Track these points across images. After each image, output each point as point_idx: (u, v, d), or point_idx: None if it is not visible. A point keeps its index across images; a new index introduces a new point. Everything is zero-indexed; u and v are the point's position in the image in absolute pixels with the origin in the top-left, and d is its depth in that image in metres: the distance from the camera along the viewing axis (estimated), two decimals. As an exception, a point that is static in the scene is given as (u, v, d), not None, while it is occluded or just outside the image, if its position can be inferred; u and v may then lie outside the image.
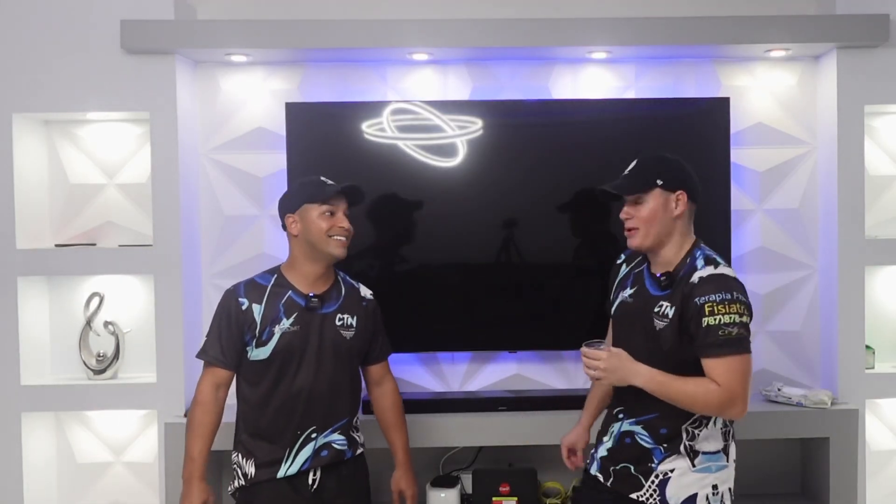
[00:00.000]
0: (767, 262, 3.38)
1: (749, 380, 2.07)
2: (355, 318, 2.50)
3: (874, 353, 3.30)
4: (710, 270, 2.11)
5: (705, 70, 3.36)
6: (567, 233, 3.27)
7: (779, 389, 3.23)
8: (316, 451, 2.42)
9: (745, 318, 2.06)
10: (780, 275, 3.39)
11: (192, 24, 3.19)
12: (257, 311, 2.41)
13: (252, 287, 2.46)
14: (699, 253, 2.18)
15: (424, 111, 3.21)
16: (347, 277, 2.61)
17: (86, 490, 3.36)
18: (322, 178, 2.49)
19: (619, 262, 2.42)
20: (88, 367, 3.22)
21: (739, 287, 2.10)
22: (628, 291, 2.29)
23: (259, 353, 2.40)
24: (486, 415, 3.13)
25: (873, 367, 3.29)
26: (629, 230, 2.21)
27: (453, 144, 3.22)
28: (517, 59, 3.32)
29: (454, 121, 3.21)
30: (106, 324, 3.25)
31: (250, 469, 2.42)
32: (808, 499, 3.35)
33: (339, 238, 2.43)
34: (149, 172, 3.20)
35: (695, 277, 2.10)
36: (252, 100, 3.33)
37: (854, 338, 3.21)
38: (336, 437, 2.46)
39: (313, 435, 2.42)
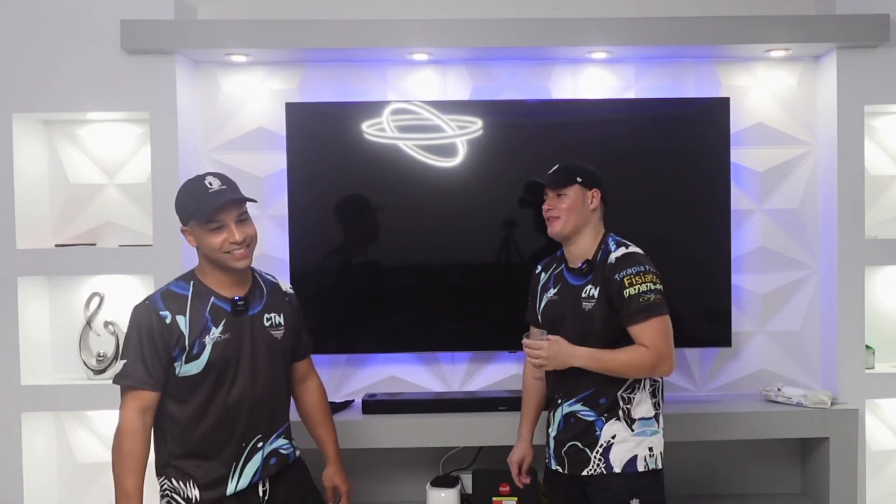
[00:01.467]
0: (767, 262, 3.38)
1: (671, 338, 2.36)
2: (282, 315, 2.36)
3: (874, 353, 3.30)
4: (623, 251, 2.42)
5: (705, 70, 3.36)
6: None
7: (779, 389, 3.23)
8: (265, 461, 2.29)
9: (658, 286, 2.35)
10: (780, 275, 3.39)
11: (192, 24, 3.19)
12: (182, 322, 2.19)
13: (170, 297, 2.23)
14: (610, 239, 2.48)
15: (424, 111, 3.21)
16: (264, 273, 2.44)
17: (86, 490, 3.36)
18: (206, 182, 2.21)
19: (536, 272, 2.67)
20: (88, 367, 3.22)
21: (648, 260, 2.41)
22: (552, 291, 2.55)
23: (190, 368, 2.20)
24: (486, 415, 3.14)
25: (873, 367, 3.29)
26: (550, 219, 2.49)
27: (453, 144, 3.22)
28: (517, 59, 3.32)
29: (454, 121, 3.21)
30: (106, 324, 3.25)
31: (193, 492, 2.23)
32: (808, 499, 3.35)
33: (235, 252, 2.20)
34: (149, 172, 3.20)
35: (611, 258, 2.41)
36: (252, 100, 3.33)
37: (854, 338, 3.21)
38: (281, 441, 2.35)
39: (259, 444, 2.28)
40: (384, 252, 3.27)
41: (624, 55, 3.27)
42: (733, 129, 3.27)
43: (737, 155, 3.30)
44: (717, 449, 3.37)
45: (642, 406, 2.42)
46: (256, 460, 2.28)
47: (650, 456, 2.41)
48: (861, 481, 3.15)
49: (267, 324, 2.32)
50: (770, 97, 3.38)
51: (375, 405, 3.18)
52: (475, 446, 3.22)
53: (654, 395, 2.45)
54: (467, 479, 3.18)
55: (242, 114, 3.33)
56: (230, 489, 2.25)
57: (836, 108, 3.20)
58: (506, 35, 3.12)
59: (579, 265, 2.47)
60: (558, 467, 2.51)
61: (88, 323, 3.25)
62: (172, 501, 2.27)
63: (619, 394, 2.40)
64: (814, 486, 3.30)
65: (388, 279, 3.28)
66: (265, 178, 3.31)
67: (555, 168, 2.55)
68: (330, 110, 3.24)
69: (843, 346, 3.21)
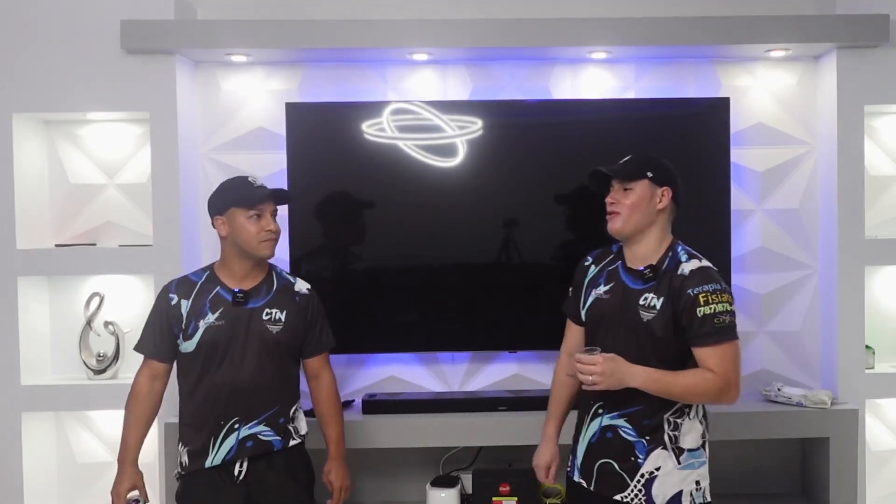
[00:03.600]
0: (767, 262, 3.38)
1: (740, 366, 2.17)
2: (285, 312, 2.51)
3: (874, 353, 3.30)
4: (696, 263, 2.21)
5: (705, 70, 3.36)
6: (567, 232, 3.27)
7: (779, 389, 3.23)
8: (240, 442, 2.45)
9: (733, 308, 2.18)
10: (780, 275, 3.39)
11: (192, 24, 3.20)
12: (185, 306, 2.48)
13: (184, 283, 2.53)
14: (680, 248, 2.27)
15: (424, 111, 3.22)
16: (284, 272, 2.62)
17: (86, 490, 3.36)
18: (249, 179, 2.50)
19: (586, 263, 2.42)
20: (88, 367, 3.23)
21: (723, 280, 2.22)
22: (604, 288, 2.31)
23: (187, 346, 2.47)
24: (486, 415, 3.13)
25: (873, 367, 3.29)
26: (611, 213, 2.27)
27: (453, 144, 3.22)
28: (517, 59, 3.32)
29: (454, 121, 3.21)
30: (106, 324, 3.25)
31: (184, 457, 2.50)
32: (808, 499, 3.35)
33: (266, 241, 2.46)
34: (149, 172, 3.20)
35: (683, 269, 2.19)
36: (252, 100, 3.33)
37: (854, 338, 3.21)
38: (262, 428, 2.47)
39: (236, 426, 2.45)
40: (384, 252, 3.27)
41: (624, 55, 3.27)
42: (733, 129, 3.27)
43: (737, 155, 3.30)
44: (717, 449, 3.35)
45: (691, 435, 2.21)
46: (232, 440, 2.46)
47: (697, 490, 2.19)
48: (861, 481, 3.15)
49: (265, 318, 2.49)
50: (770, 97, 3.38)
51: (375, 405, 3.18)
52: (475, 446, 3.22)
53: (702, 420, 2.25)
54: (467, 479, 3.18)
55: (242, 114, 3.33)
56: (209, 462, 2.46)
57: (836, 108, 3.20)
58: (506, 35, 3.12)
59: (641, 268, 2.24)
60: (582, 481, 2.30)
61: (88, 323, 3.25)
62: (177, 460, 2.55)
63: (665, 416, 2.19)
64: (814, 486, 3.30)
65: (388, 279, 3.28)
66: (265, 178, 3.30)
67: (626, 159, 2.33)
68: (330, 110, 3.24)
69: (843, 346, 3.21)
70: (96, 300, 3.26)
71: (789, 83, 3.38)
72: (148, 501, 2.58)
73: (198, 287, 2.50)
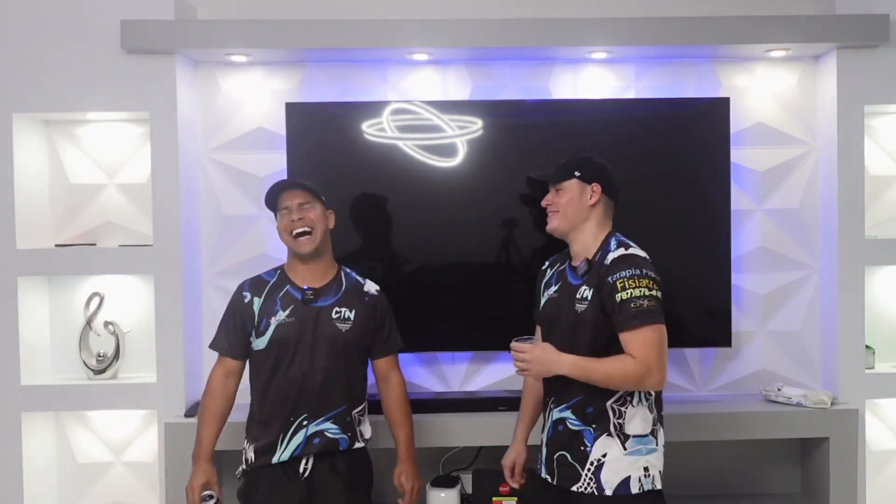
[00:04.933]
0: (767, 262, 3.38)
1: (664, 350, 2.20)
2: (354, 311, 2.57)
3: (874, 353, 3.30)
4: (621, 252, 2.28)
5: (705, 70, 3.36)
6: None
7: (779, 389, 3.23)
8: (308, 439, 2.50)
9: (654, 292, 2.21)
10: (780, 275, 3.39)
11: (192, 24, 3.19)
12: (257, 304, 2.55)
13: (257, 282, 2.61)
14: (613, 239, 2.35)
15: (424, 111, 3.21)
16: (353, 273, 2.69)
17: (86, 490, 3.36)
18: (282, 181, 2.63)
19: (543, 267, 2.57)
20: (88, 367, 3.22)
21: (647, 264, 2.26)
22: (553, 289, 2.44)
23: (259, 343, 2.54)
24: (486, 415, 3.13)
25: (873, 367, 3.29)
26: (549, 213, 2.42)
27: (453, 144, 3.22)
28: (517, 59, 3.32)
29: (454, 121, 3.21)
30: (106, 324, 3.25)
31: (251, 454, 2.53)
32: (808, 499, 3.35)
33: (298, 233, 2.51)
34: (149, 172, 3.20)
35: (608, 259, 2.27)
36: (252, 100, 3.33)
37: (854, 338, 3.21)
38: (329, 426, 2.52)
39: (304, 422, 2.50)
40: (384, 252, 3.27)
41: (624, 55, 3.27)
42: (733, 129, 3.27)
43: (737, 155, 3.30)
44: (717, 449, 3.37)
45: (636, 421, 2.26)
46: (300, 436, 2.51)
47: (645, 476, 2.24)
48: (861, 481, 3.15)
49: (335, 316, 2.55)
50: (770, 97, 3.38)
51: (375, 405, 3.17)
52: (475, 446, 3.22)
53: (651, 408, 2.29)
54: (467, 479, 3.18)
55: (242, 114, 3.33)
56: (276, 458, 2.50)
57: (836, 108, 3.20)
58: (506, 35, 3.12)
59: (579, 263, 2.36)
60: (547, 476, 2.38)
61: (88, 323, 3.25)
62: (243, 458, 2.58)
63: (608, 404, 2.25)
64: (814, 486, 3.30)
65: (388, 279, 3.27)
66: (265, 178, 3.31)
67: (558, 164, 2.47)
68: (330, 110, 3.24)
69: (843, 346, 3.21)
70: (96, 300, 3.26)
71: (789, 83, 3.38)
72: (222, 498, 2.61)
73: (270, 285, 2.58)
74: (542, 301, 2.50)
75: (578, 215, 2.37)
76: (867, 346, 3.25)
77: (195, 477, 2.54)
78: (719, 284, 3.25)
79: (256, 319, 2.54)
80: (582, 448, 2.28)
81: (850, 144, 3.19)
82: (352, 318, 2.56)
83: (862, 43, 3.15)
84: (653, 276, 2.24)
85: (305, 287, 2.55)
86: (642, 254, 2.30)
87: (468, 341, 3.33)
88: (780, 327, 3.40)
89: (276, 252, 3.27)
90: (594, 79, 3.36)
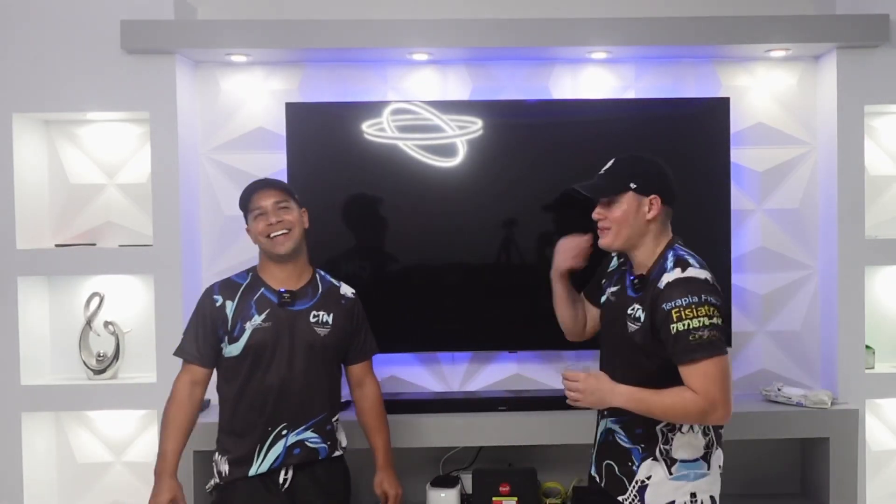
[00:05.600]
0: (767, 262, 3.38)
1: (727, 382, 2.02)
2: (331, 315, 2.47)
3: (874, 353, 3.30)
4: (676, 274, 2.05)
5: (705, 70, 3.36)
6: (567, 233, 3.24)
7: (779, 389, 3.23)
8: (288, 449, 2.41)
9: (715, 320, 2.01)
10: (780, 275, 3.39)
11: (192, 24, 3.19)
12: (230, 307, 2.43)
13: (227, 285, 2.49)
14: (671, 254, 2.13)
15: (424, 111, 3.21)
16: (328, 276, 2.59)
17: (86, 490, 3.36)
18: (254, 182, 2.49)
19: (612, 254, 2.37)
20: (88, 367, 3.22)
21: (707, 287, 2.04)
22: (612, 289, 2.28)
23: (232, 350, 2.41)
24: (486, 415, 3.13)
25: (873, 367, 3.29)
26: (600, 230, 2.20)
27: (453, 144, 3.22)
28: (517, 59, 3.32)
29: (454, 121, 3.21)
30: (106, 324, 3.25)
31: (224, 467, 2.42)
32: (808, 499, 3.35)
33: (276, 234, 2.40)
34: (149, 172, 3.20)
35: (661, 282, 2.06)
36: (252, 100, 3.33)
37: (854, 338, 3.21)
38: (310, 434, 2.44)
39: (284, 432, 2.41)
40: (384, 252, 3.27)
41: (624, 55, 3.27)
42: (733, 129, 3.27)
43: (737, 155, 3.30)
44: (717, 449, 3.37)
45: (685, 449, 2.12)
46: (279, 447, 2.40)
47: (692, 502, 2.11)
48: (861, 481, 3.15)
49: (312, 320, 2.45)
50: (770, 97, 3.38)
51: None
52: (475, 446, 3.22)
53: (706, 432, 2.14)
54: (467, 479, 3.18)
55: (242, 114, 3.33)
56: (253, 470, 2.39)
57: (836, 108, 3.20)
58: (506, 35, 3.12)
59: (633, 277, 2.16)
60: (596, 476, 2.28)
61: (88, 323, 3.25)
62: (214, 471, 2.47)
63: (658, 428, 2.12)
64: (814, 486, 3.30)
65: (388, 279, 3.28)
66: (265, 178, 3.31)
67: (606, 167, 2.22)
68: (330, 110, 3.24)
69: (843, 346, 3.21)
70: (96, 300, 3.26)
71: (789, 83, 3.38)
72: None
73: (242, 288, 2.46)
74: (603, 297, 2.32)
75: (635, 232, 2.14)
76: (867, 346, 3.25)
77: (160, 493, 2.39)
78: (719, 284, 3.24)
79: (230, 324, 2.41)
80: (629, 464, 2.17)
81: (850, 144, 3.19)
82: (330, 322, 2.46)
83: (862, 43, 3.15)
84: (713, 301, 2.02)
85: (282, 290, 2.44)
86: (702, 275, 2.06)
87: (468, 341, 3.32)
88: (780, 327, 3.40)
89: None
90: (594, 79, 3.36)
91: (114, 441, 3.36)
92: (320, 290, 2.51)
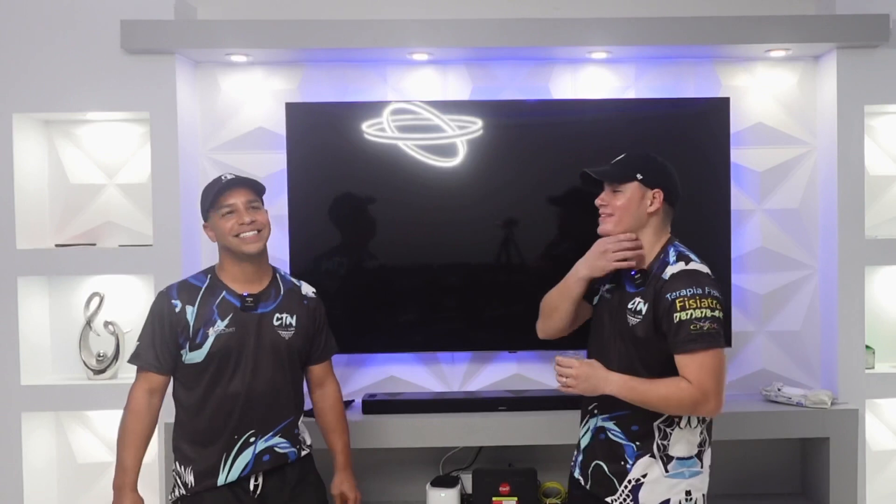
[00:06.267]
0: (767, 262, 3.38)
1: (723, 376, 2.06)
2: (295, 316, 2.42)
3: (874, 353, 3.30)
4: (681, 266, 2.12)
5: (705, 70, 3.36)
6: (567, 232, 3.27)
7: (779, 389, 3.23)
8: (257, 457, 2.34)
9: (716, 313, 2.06)
10: (780, 275, 3.39)
11: (192, 24, 3.19)
12: (190, 312, 2.33)
13: (185, 288, 2.39)
14: (672, 249, 2.19)
15: (424, 111, 3.21)
16: (287, 275, 2.55)
17: (86, 490, 3.36)
18: (220, 177, 2.39)
19: None
20: (88, 367, 3.22)
21: (711, 282, 2.10)
22: (607, 287, 2.29)
23: (193, 357, 2.32)
24: (486, 415, 3.13)
25: (873, 367, 3.29)
26: (602, 216, 2.24)
27: (453, 144, 3.22)
28: (517, 59, 3.32)
29: (454, 121, 3.21)
30: (106, 324, 3.25)
31: (189, 478, 2.34)
32: (808, 499, 3.35)
33: (246, 235, 2.32)
34: (149, 172, 3.20)
35: (666, 273, 2.11)
36: (252, 100, 3.33)
37: (854, 338, 3.21)
38: (278, 440, 2.38)
39: (252, 439, 2.34)
40: (384, 252, 3.27)
41: (624, 55, 3.27)
42: (733, 129, 3.27)
43: (737, 155, 3.30)
44: (717, 449, 3.35)
45: (682, 444, 2.14)
46: (248, 454, 2.34)
47: (687, 500, 2.12)
48: (861, 481, 3.15)
49: (276, 323, 2.39)
50: (770, 97, 3.38)
51: (375, 405, 3.18)
52: (475, 446, 3.22)
53: (702, 432, 2.17)
54: (467, 479, 3.18)
55: (242, 114, 3.33)
56: (220, 480, 2.32)
57: (836, 108, 3.20)
58: (506, 35, 3.12)
59: (633, 272, 2.18)
60: (580, 478, 2.29)
61: (88, 323, 3.25)
62: (176, 483, 2.38)
63: (655, 424, 2.13)
64: (814, 486, 3.30)
65: (388, 279, 3.28)
66: (265, 178, 3.30)
67: (618, 159, 2.28)
68: (330, 110, 3.24)
69: (843, 346, 3.21)
70: (96, 300, 3.26)
71: (789, 83, 3.38)
72: None
73: (202, 292, 2.37)
74: (596, 296, 2.35)
75: (635, 222, 2.19)
76: (867, 346, 3.25)
77: None
78: (719, 284, 3.24)
79: (192, 330, 2.31)
80: (622, 463, 2.17)
81: (850, 144, 3.19)
82: (293, 324, 2.40)
83: (862, 43, 3.15)
84: (716, 295, 2.08)
85: (245, 294, 2.36)
86: (705, 269, 2.13)
87: (468, 341, 3.33)
88: (780, 327, 3.40)
89: (276, 252, 3.26)
90: (594, 79, 3.36)
91: (114, 441, 3.34)
92: (282, 290, 2.44)
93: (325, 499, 2.54)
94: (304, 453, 2.47)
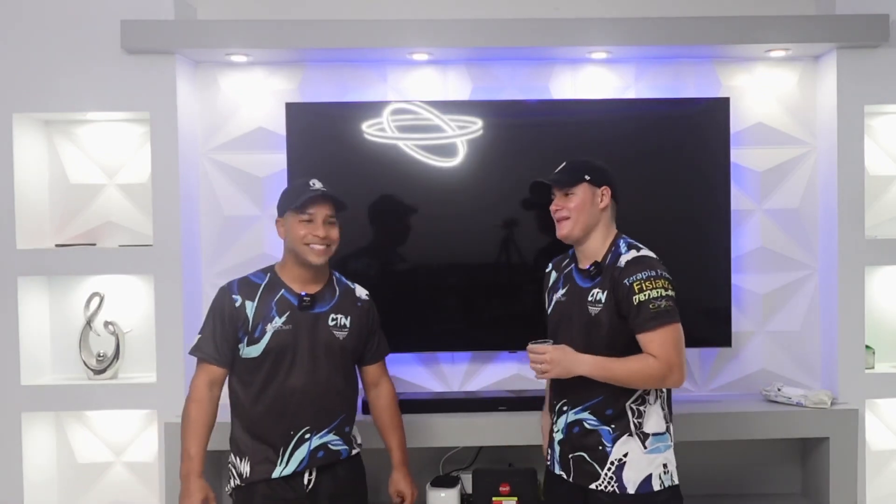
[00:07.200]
0: (767, 262, 3.38)
1: (683, 348, 2.23)
2: (349, 318, 2.48)
3: (874, 353, 3.30)
4: (633, 254, 2.29)
5: (705, 70, 3.36)
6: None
7: (779, 389, 3.23)
8: (311, 453, 2.41)
9: (670, 292, 2.23)
10: (780, 275, 3.39)
11: (192, 24, 3.19)
12: (250, 308, 2.40)
13: (245, 284, 2.46)
14: (622, 241, 2.36)
15: (424, 111, 3.21)
16: (343, 278, 2.59)
17: (86, 490, 3.35)
18: (309, 182, 2.44)
19: (547, 270, 2.56)
20: (88, 367, 3.22)
21: (660, 264, 2.28)
22: (561, 292, 2.43)
23: (251, 351, 2.39)
24: (486, 415, 3.14)
25: (873, 367, 3.29)
26: (559, 220, 2.38)
27: (453, 144, 3.22)
28: (517, 59, 3.32)
29: (454, 121, 3.21)
30: (106, 324, 3.25)
31: (245, 468, 2.40)
32: (808, 499, 3.35)
33: (315, 246, 2.39)
34: (149, 172, 3.20)
35: (621, 261, 2.28)
36: (252, 100, 3.33)
37: (854, 338, 3.21)
38: (332, 437, 2.45)
39: (307, 436, 2.40)
40: (384, 252, 3.27)
41: (624, 55, 3.27)
42: (733, 129, 3.27)
43: (737, 155, 3.30)
44: (717, 449, 3.37)
45: (653, 419, 2.28)
46: (303, 450, 2.40)
47: (665, 473, 2.27)
48: (861, 481, 3.15)
49: (331, 323, 2.46)
50: (770, 97, 3.38)
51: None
52: (475, 446, 3.22)
53: (663, 406, 2.32)
54: (467, 479, 3.18)
55: (242, 114, 3.33)
56: (276, 472, 2.38)
57: (836, 108, 3.20)
58: (506, 35, 3.12)
59: (587, 266, 2.35)
60: (562, 473, 2.38)
61: (88, 323, 3.25)
62: (232, 474, 2.45)
63: (627, 405, 2.27)
64: (814, 486, 3.30)
65: (388, 279, 3.28)
66: (265, 178, 3.31)
67: (561, 166, 2.43)
68: (330, 110, 3.24)
69: (843, 346, 3.21)
70: (96, 300, 3.26)
71: (789, 83, 3.38)
72: None
73: (261, 288, 2.44)
74: (550, 305, 2.48)
75: (591, 220, 2.34)
76: (867, 346, 3.25)
77: (191, 495, 2.33)
78: (719, 284, 3.25)
79: (251, 325, 2.39)
80: (600, 448, 2.28)
81: (850, 144, 3.19)
82: (348, 325, 2.47)
83: (862, 43, 3.15)
84: (667, 276, 2.25)
85: (303, 293, 2.43)
86: (653, 255, 2.31)
87: (468, 341, 3.33)
88: (780, 327, 3.40)
89: (275, 252, 3.25)
90: (594, 79, 3.36)
91: (114, 441, 3.36)
92: (338, 292, 2.51)
93: (367, 499, 2.60)
94: (354, 452, 2.54)
